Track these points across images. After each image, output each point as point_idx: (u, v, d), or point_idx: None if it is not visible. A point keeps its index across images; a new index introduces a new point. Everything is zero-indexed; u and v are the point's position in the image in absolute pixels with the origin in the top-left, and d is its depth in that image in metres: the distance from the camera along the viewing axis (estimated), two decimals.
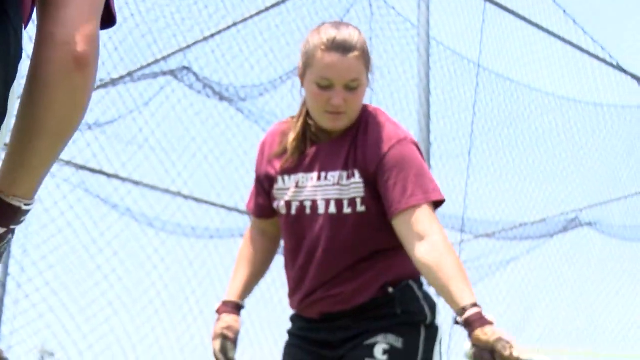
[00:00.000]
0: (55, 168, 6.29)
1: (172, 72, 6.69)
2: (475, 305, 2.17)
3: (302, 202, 2.40)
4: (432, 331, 2.36)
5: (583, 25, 7.23)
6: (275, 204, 2.46)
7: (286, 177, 2.44)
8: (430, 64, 6.65)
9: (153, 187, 6.98)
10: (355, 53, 2.32)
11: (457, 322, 2.20)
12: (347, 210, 2.35)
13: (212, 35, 6.73)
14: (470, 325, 2.16)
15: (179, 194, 7.16)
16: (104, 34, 6.11)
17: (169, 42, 6.47)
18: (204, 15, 6.52)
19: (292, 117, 2.51)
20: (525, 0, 7.01)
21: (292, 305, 2.48)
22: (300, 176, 2.42)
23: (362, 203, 2.34)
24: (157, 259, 7.07)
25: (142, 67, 6.47)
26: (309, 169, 2.41)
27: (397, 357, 2.29)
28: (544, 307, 8.90)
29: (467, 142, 7.21)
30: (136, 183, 6.81)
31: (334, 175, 2.38)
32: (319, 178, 2.39)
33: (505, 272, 8.69)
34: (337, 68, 2.31)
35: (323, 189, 2.38)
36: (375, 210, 2.34)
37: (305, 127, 2.44)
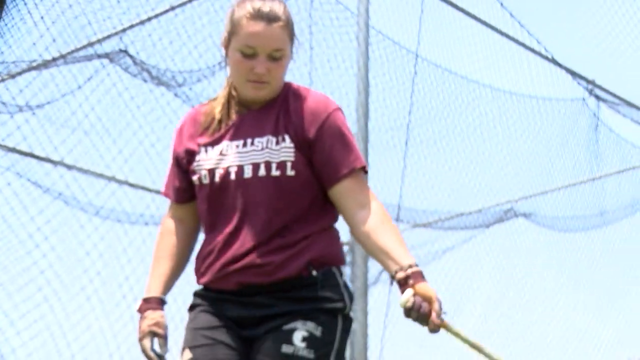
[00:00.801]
0: None
1: (107, 55, 6.57)
2: (416, 265, 2.27)
3: (226, 169, 2.35)
4: (348, 322, 2.36)
5: (519, 19, 7.34)
6: (195, 177, 2.40)
7: (209, 148, 2.40)
8: (369, 53, 6.67)
9: (86, 172, 6.86)
10: (280, 23, 2.36)
11: (396, 279, 2.23)
12: (275, 172, 2.32)
13: (149, 19, 6.64)
14: (414, 278, 2.23)
15: (113, 178, 7.05)
16: (35, 13, 5.98)
17: (104, 24, 6.35)
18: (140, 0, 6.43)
19: (211, 100, 2.49)
20: None
21: (205, 277, 2.38)
22: (224, 144, 2.39)
23: (292, 167, 2.33)
24: (90, 244, 6.96)
25: (76, 50, 6.35)
26: (234, 137, 2.38)
27: (315, 345, 2.27)
28: (478, 297, 9.02)
29: (404, 131, 7.26)
30: (69, 167, 6.68)
31: (261, 141, 2.36)
32: (244, 145, 2.36)
33: (441, 262, 8.79)
34: (261, 36, 2.34)
35: (249, 155, 2.35)
36: (304, 176, 2.34)
37: (230, 98, 2.43)
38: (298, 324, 2.28)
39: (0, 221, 6.30)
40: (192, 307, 2.44)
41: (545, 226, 9.33)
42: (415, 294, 2.22)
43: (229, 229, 2.34)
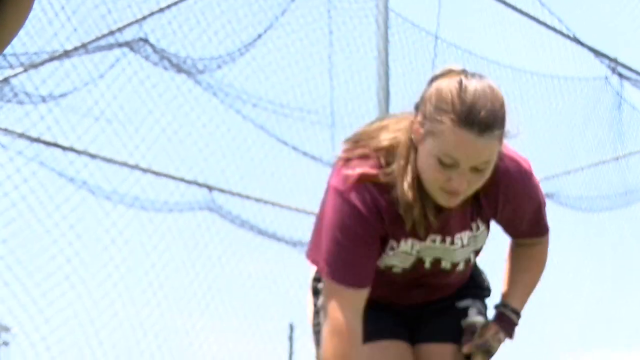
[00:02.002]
0: (7, 140, 6.21)
1: (127, 44, 6.61)
2: (519, 316, 2.30)
3: (423, 261, 2.18)
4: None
5: None
6: (384, 265, 2.17)
7: (408, 240, 2.14)
8: (389, 36, 6.64)
9: (110, 160, 6.91)
10: (495, 132, 1.96)
11: (496, 309, 2.32)
12: (473, 259, 2.27)
13: (169, 6, 6.66)
14: (503, 321, 2.28)
15: (136, 167, 7.10)
16: (56, 3, 6.02)
17: (124, 12, 6.38)
18: None
19: (380, 170, 2.07)
20: None
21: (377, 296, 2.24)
22: (425, 239, 2.14)
23: (477, 254, 2.28)
24: (115, 232, 7.03)
25: (97, 39, 6.38)
26: (435, 232, 2.14)
27: (485, 324, 2.32)
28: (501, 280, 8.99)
29: None
30: (92, 156, 6.73)
31: (462, 237, 2.18)
32: (447, 241, 2.17)
33: None
34: (467, 149, 1.94)
35: (452, 251, 2.18)
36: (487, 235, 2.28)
37: (422, 194, 2.05)
38: (469, 301, 2.35)
39: (26, 211, 6.37)
40: None
41: (569, 206, 9.27)
42: (489, 331, 2.29)
43: (401, 289, 2.26)
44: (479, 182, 2.02)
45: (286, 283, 7.73)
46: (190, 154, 7.34)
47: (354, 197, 2.06)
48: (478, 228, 2.18)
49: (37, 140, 6.34)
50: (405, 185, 2.03)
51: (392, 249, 2.14)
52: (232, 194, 7.48)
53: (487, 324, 2.31)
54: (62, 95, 6.42)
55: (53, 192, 6.57)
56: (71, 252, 6.61)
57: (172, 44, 6.90)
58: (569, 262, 9.21)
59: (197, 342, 7.35)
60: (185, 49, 6.97)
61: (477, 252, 2.28)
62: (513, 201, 2.16)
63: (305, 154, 7.47)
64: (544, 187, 9.00)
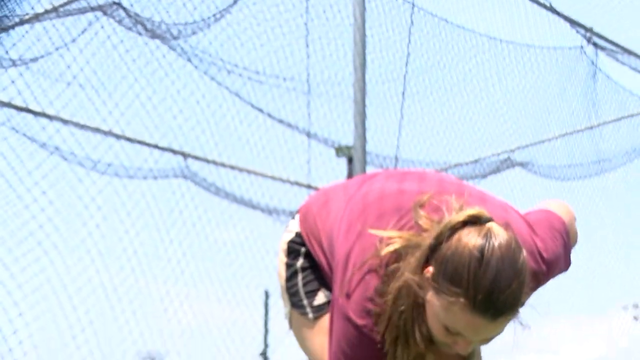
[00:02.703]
0: None
1: (100, 8, 6.51)
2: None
3: None
4: None
5: None
6: None
7: None
8: (366, 3, 6.61)
9: (83, 126, 6.84)
10: (508, 317, 1.83)
11: None
12: None
13: None
14: None
15: (110, 133, 7.03)
16: None
17: None
18: None
19: (371, 323, 1.95)
20: None
21: None
22: None
23: None
24: (88, 198, 6.98)
25: (69, 2, 6.28)
26: None
27: None
28: None
29: (401, 82, 7.23)
30: (65, 121, 6.66)
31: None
32: None
33: None
34: (477, 330, 1.82)
35: None
36: None
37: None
38: None
39: None
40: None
41: (543, 175, 9.34)
42: None
43: None
44: (487, 343, 1.93)
45: (261, 250, 7.74)
46: (165, 120, 7.29)
47: (372, 333, 1.95)
48: None
49: (8, 105, 6.26)
50: (418, 336, 1.90)
51: None
52: (207, 161, 7.44)
53: None
54: (34, 60, 6.32)
55: (25, 157, 6.50)
56: (44, 218, 6.56)
57: (146, 9, 6.82)
58: None
59: (172, 308, 7.35)
60: (160, 14, 6.89)
61: None
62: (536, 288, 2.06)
63: (281, 121, 7.44)
64: (519, 156, 9.10)
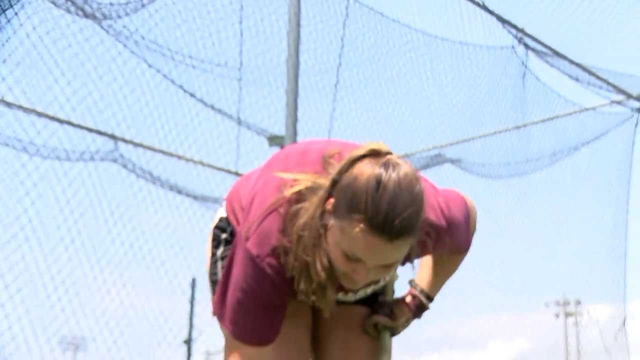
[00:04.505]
0: None
1: None
2: (429, 302, 2.35)
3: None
4: None
5: None
6: None
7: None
8: None
9: (11, 105, 6.71)
10: (406, 239, 1.88)
11: (411, 291, 2.36)
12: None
13: None
14: (416, 307, 2.34)
15: (42, 114, 6.92)
16: None
17: None
18: None
19: (286, 238, 2.00)
20: None
21: None
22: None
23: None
24: (30, 184, 6.87)
25: None
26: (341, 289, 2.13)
27: (398, 302, 2.41)
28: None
29: (334, 74, 7.26)
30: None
31: (366, 290, 2.27)
32: (349, 294, 2.24)
33: None
34: (375, 253, 1.88)
35: (350, 297, 2.26)
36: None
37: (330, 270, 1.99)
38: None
39: None
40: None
41: (473, 173, 9.47)
42: (402, 316, 2.34)
43: None
44: (385, 274, 2.01)
45: (190, 236, 7.70)
46: (94, 102, 7.19)
47: (266, 266, 2.01)
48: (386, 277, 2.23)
49: None
50: (319, 266, 1.96)
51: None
52: (136, 144, 7.37)
53: (400, 304, 2.35)
54: None
55: None
56: None
57: None
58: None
59: (99, 294, 7.28)
60: None
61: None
62: (436, 247, 2.16)
63: (212, 107, 7.40)
64: (449, 153, 9.21)
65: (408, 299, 2.35)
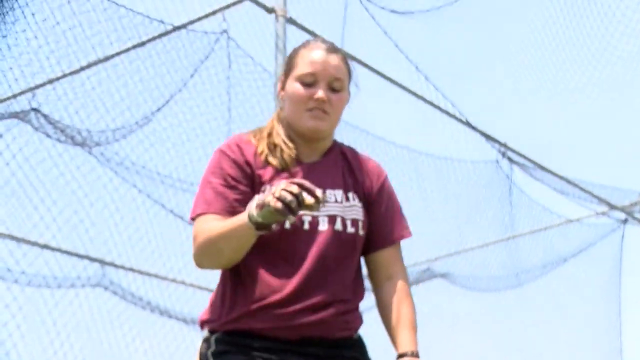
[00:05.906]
0: None
1: (17, 115, 6.45)
2: (416, 355, 2.30)
3: (299, 217, 2.21)
4: None
5: (435, 82, 7.50)
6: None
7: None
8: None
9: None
10: (339, 55, 2.35)
11: (402, 356, 2.31)
12: (350, 229, 2.28)
13: (61, 78, 6.49)
14: None
15: (27, 241, 6.89)
16: None
17: (15, 83, 6.23)
18: (51, 60, 6.30)
19: (253, 134, 2.35)
20: (378, 53, 7.22)
21: (258, 323, 2.20)
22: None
23: (363, 227, 2.30)
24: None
25: None
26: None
27: None
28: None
29: None
30: None
31: (334, 193, 2.29)
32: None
33: (363, 326, 8.75)
34: (322, 62, 2.30)
35: (325, 206, 2.24)
36: (365, 238, 2.33)
37: (286, 143, 2.31)
38: None
39: None
40: (220, 354, 2.22)
41: (462, 286, 9.42)
42: None
43: (299, 279, 2.21)
44: (337, 104, 2.31)
45: None
46: (83, 228, 7.16)
47: (224, 146, 2.32)
48: (353, 199, 2.31)
49: None
50: (281, 132, 2.33)
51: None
52: (124, 269, 7.31)
53: None
54: None
55: None
56: None
57: (65, 114, 6.76)
58: (467, 342, 9.30)
59: None
60: (83, 122, 6.82)
61: (355, 227, 2.29)
62: (387, 189, 2.38)
63: None
64: (439, 267, 9.16)
65: None
